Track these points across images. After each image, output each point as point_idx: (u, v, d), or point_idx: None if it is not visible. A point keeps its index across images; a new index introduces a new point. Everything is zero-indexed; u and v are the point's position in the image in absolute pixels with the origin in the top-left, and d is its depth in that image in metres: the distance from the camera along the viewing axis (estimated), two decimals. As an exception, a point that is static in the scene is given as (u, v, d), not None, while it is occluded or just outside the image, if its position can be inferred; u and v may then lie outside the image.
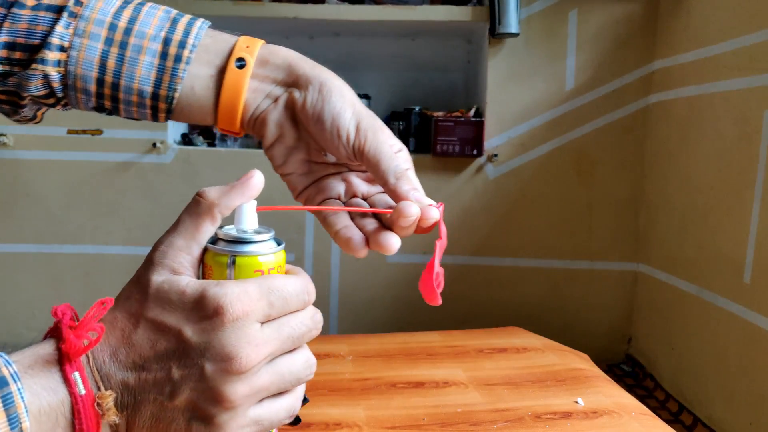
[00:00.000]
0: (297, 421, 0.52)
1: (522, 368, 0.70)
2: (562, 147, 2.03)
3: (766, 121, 1.42)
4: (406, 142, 2.08)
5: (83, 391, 0.30)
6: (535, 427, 0.53)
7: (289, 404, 0.36)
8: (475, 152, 1.97)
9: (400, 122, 2.08)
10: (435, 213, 0.42)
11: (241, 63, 0.42)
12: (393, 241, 0.41)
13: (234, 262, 0.35)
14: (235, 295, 0.32)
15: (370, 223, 0.43)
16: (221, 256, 0.35)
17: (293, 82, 0.43)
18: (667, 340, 1.85)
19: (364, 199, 0.46)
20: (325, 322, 2.10)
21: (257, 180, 0.36)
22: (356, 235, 0.42)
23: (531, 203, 2.05)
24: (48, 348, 0.31)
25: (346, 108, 0.42)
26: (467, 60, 2.29)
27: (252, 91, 0.43)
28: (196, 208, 0.35)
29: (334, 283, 2.07)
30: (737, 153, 1.52)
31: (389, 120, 2.13)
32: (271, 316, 0.33)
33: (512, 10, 1.87)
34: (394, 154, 0.42)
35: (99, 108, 0.44)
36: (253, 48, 0.43)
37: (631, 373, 2.03)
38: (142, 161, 2.01)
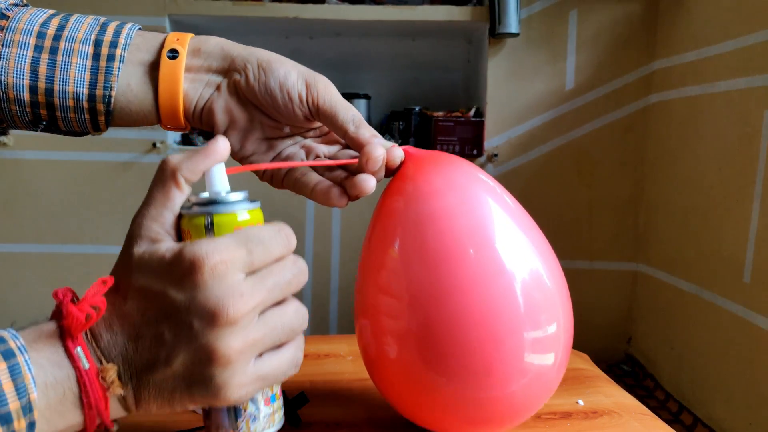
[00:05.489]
0: (297, 421, 0.52)
1: (522, 368, 0.69)
2: (563, 147, 2.03)
3: (766, 121, 1.42)
4: (406, 141, 2.08)
5: (87, 365, 0.30)
6: (535, 427, 0.53)
7: (292, 354, 0.34)
8: (475, 152, 1.97)
9: (400, 122, 2.08)
10: (400, 152, 0.45)
11: (174, 54, 0.43)
12: (369, 181, 0.43)
13: (212, 222, 0.34)
14: (210, 247, 0.31)
15: (341, 174, 0.45)
16: (198, 218, 0.34)
17: (230, 65, 0.44)
18: (667, 340, 1.85)
19: (327, 158, 0.47)
20: (325, 322, 2.11)
21: (221, 144, 0.36)
22: (333, 187, 0.44)
23: (531, 203, 2.04)
24: (50, 325, 0.31)
25: (290, 71, 0.43)
26: (467, 60, 2.29)
27: (190, 81, 0.44)
28: (161, 175, 0.35)
29: (334, 283, 2.07)
30: (737, 153, 1.52)
31: (389, 120, 2.13)
32: (253, 264, 0.32)
33: (512, 10, 1.87)
34: (348, 105, 0.44)
35: (35, 121, 0.43)
36: (183, 40, 0.44)
37: (631, 373, 2.03)
38: (143, 161, 2.02)
